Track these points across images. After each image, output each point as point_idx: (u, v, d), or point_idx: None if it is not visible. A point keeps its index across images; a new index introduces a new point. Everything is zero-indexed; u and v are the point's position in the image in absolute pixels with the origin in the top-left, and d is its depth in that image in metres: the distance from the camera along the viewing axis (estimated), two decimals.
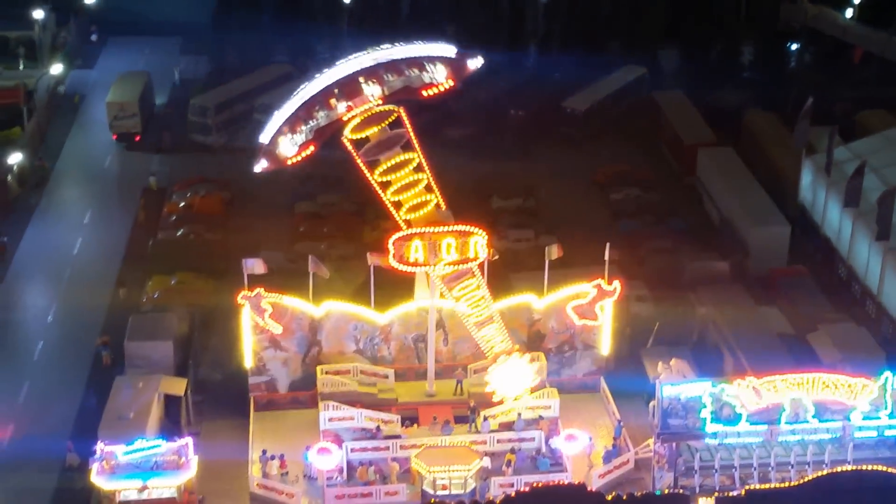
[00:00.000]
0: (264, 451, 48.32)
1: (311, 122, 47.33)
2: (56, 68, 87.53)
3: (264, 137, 47.35)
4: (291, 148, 47.62)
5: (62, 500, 47.42)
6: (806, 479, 41.84)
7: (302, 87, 47.55)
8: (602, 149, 78.81)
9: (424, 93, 48.50)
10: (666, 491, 45.25)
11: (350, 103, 47.46)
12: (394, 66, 47.61)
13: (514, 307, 52.40)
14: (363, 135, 48.30)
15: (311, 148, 47.86)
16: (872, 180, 61.78)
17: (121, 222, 69.95)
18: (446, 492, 45.83)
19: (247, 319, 50.48)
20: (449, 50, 48.27)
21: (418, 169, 48.58)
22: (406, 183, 48.40)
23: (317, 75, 47.57)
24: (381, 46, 48.01)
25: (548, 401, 50.12)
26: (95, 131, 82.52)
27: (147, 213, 70.51)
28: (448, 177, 71.12)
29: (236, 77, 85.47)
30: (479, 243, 48.50)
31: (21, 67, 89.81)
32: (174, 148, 80.00)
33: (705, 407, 45.83)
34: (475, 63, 48.56)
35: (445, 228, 48.18)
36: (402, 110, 48.31)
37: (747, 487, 42.26)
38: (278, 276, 54.46)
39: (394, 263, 48.36)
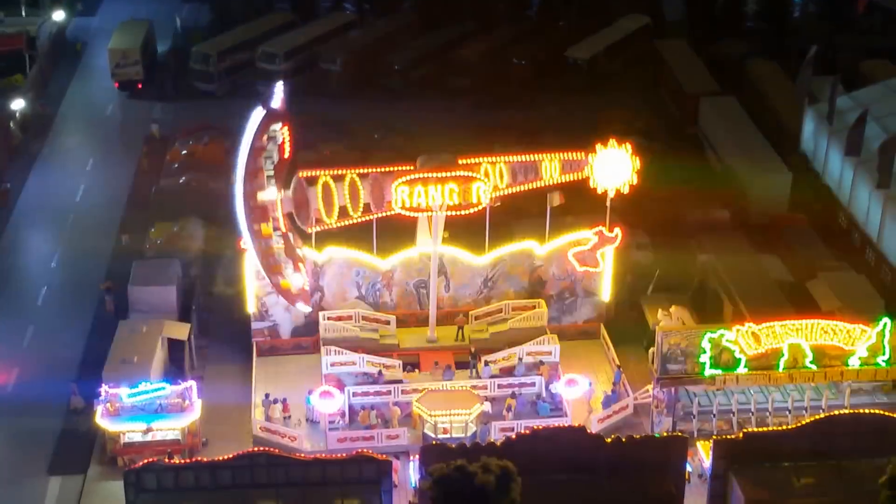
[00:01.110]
0: (267, 395, 48.78)
1: (277, 254, 47.92)
2: (58, 15, 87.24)
3: (280, 297, 49.29)
4: (299, 277, 48.81)
5: (67, 442, 47.90)
6: (804, 422, 42.20)
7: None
8: (605, 98, 78.58)
9: (285, 155, 48.36)
10: (665, 434, 45.73)
11: (275, 216, 47.68)
12: (255, 170, 46.95)
13: (516, 253, 52.71)
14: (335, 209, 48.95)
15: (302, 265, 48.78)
16: (874, 129, 61.76)
17: (123, 169, 70.10)
18: (447, 435, 46.30)
19: (249, 265, 50.72)
20: (257, 114, 47.26)
21: (337, 178, 48.68)
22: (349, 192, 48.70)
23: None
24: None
25: (548, 346, 50.52)
26: (97, 79, 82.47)
27: (150, 160, 70.60)
28: (451, 126, 71.97)
29: (238, 25, 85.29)
30: (482, 189, 48.63)
31: (23, 14, 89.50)
32: (176, 96, 79.88)
33: (704, 352, 46.23)
34: (278, 96, 47.75)
35: (449, 174, 48.28)
36: (299, 173, 48.69)
37: (745, 430, 42.65)
38: None
39: (396, 209, 48.53)
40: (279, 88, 48.25)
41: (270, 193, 47.65)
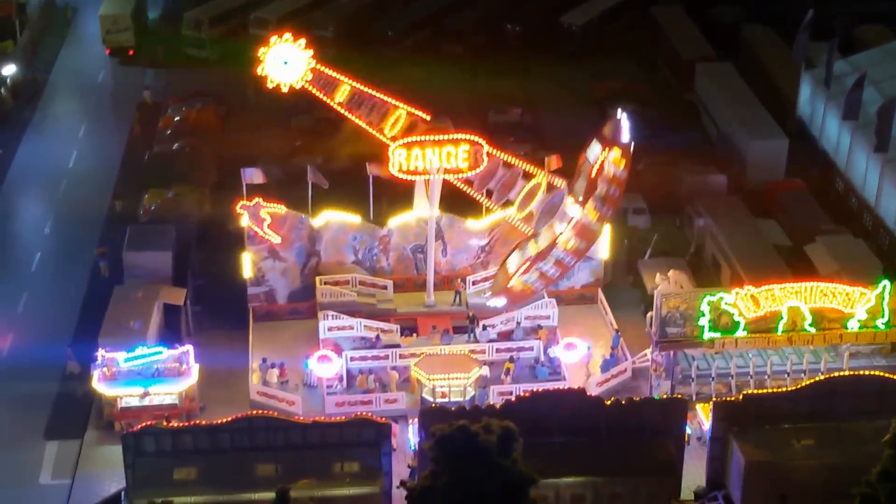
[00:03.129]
0: (264, 360, 48.60)
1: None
2: None
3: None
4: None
5: (63, 406, 47.71)
6: (803, 384, 42.17)
7: None
8: (600, 64, 78.16)
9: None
10: (664, 396, 45.67)
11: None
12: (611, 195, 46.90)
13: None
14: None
15: None
16: (871, 93, 61.55)
17: (116, 136, 69.60)
18: (445, 399, 46.18)
19: (246, 230, 50.37)
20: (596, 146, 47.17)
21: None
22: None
23: None
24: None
25: (546, 310, 50.36)
26: (89, 45, 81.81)
27: (142, 126, 70.09)
28: (445, 92, 71.43)
29: None
30: (480, 152, 48.33)
31: None
32: (168, 62, 79.27)
33: (703, 315, 46.11)
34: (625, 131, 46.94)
35: (445, 136, 47.96)
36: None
37: (745, 392, 42.60)
38: (276, 188, 54.47)
39: (394, 172, 48.21)
40: (625, 124, 46.80)
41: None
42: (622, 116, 46.74)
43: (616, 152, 46.51)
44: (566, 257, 48.17)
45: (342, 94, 49.28)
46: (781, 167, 63.38)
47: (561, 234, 47.67)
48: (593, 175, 46.85)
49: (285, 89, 48.99)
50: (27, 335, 51.82)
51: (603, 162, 46.61)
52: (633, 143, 47.04)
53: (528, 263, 48.15)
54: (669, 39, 78.23)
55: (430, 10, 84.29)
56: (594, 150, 46.79)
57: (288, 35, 48.56)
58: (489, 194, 49.35)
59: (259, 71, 48.43)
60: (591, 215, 47.27)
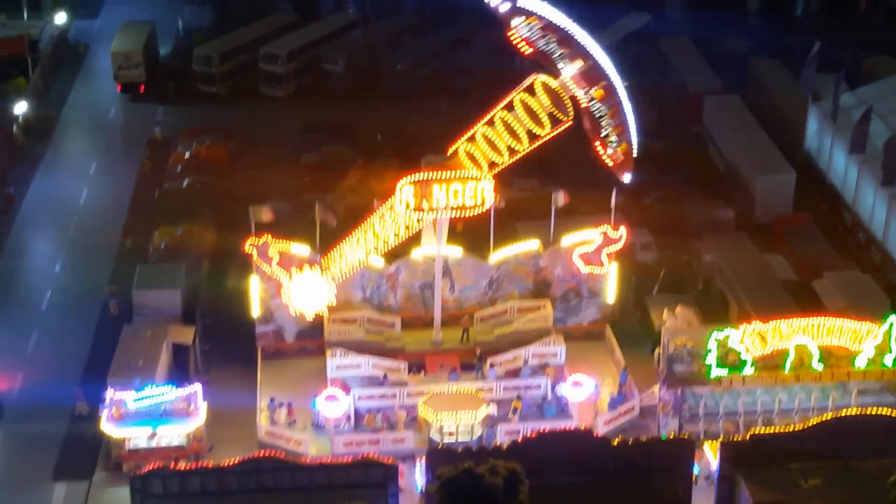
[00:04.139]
0: (272, 399, 48.70)
1: (550, 41, 46.88)
2: (60, 18, 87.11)
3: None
4: (522, 27, 46.90)
5: (72, 447, 47.86)
6: (811, 423, 42.08)
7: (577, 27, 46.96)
8: None
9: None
10: (671, 436, 45.61)
11: (574, 79, 47.19)
12: (616, 105, 47.30)
13: (521, 255, 52.63)
14: (533, 101, 47.80)
15: (525, 47, 47.33)
16: (878, 126, 61.62)
17: (126, 172, 70.00)
18: (453, 438, 46.19)
19: (255, 268, 50.60)
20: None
21: (512, 152, 48.30)
22: (495, 143, 48.19)
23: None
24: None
25: (554, 348, 50.43)
26: (100, 81, 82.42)
27: (152, 163, 70.59)
28: (453, 127, 71.65)
29: (240, 26, 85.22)
30: (486, 189, 48.49)
31: (25, 17, 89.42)
32: (179, 98, 79.86)
33: (711, 352, 46.11)
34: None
35: (453, 174, 48.14)
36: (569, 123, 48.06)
37: (752, 432, 42.51)
38: (285, 225, 54.67)
39: (400, 210, 48.39)
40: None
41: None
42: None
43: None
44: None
45: None
46: (789, 201, 63.43)
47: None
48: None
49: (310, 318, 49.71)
50: (37, 375, 52.00)
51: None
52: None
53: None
54: (677, 71, 78.47)
55: (439, 44, 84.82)
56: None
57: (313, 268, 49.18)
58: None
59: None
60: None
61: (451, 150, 48.33)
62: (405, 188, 48.16)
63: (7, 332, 55.00)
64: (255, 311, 51.78)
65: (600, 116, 47.61)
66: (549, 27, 47.03)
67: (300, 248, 50.70)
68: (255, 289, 51.28)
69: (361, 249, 49.44)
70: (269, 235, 50.30)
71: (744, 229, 60.43)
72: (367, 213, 50.38)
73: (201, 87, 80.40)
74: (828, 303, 52.55)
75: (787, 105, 70.92)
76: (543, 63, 47.68)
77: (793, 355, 46.29)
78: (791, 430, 42.64)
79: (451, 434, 46.37)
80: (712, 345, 46.10)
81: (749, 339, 45.99)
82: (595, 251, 51.87)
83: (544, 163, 69.44)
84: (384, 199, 49.82)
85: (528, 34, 47.00)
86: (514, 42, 47.38)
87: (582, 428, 43.95)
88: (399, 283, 52.62)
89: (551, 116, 47.73)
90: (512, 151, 48.26)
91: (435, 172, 48.26)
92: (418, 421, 47.76)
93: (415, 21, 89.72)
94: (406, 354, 51.07)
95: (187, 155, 69.88)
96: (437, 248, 50.69)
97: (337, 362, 49.33)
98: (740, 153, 66.47)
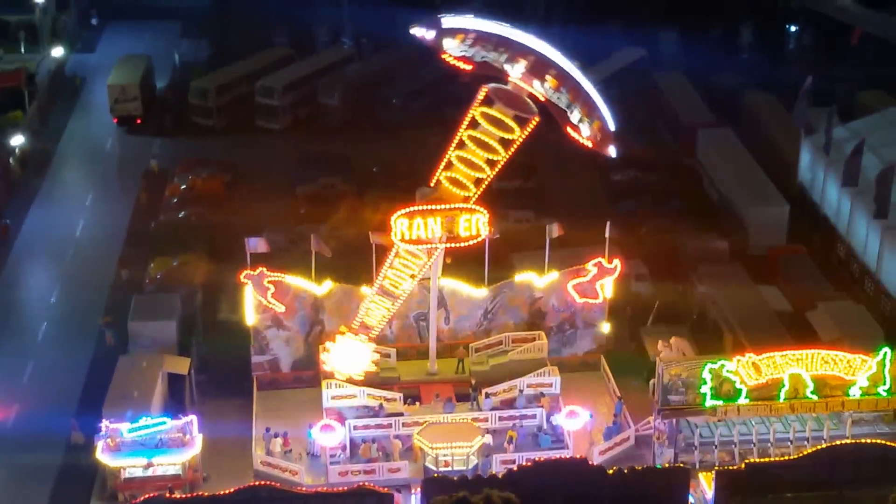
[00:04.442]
0: (268, 429, 48.69)
1: (486, 50, 46.47)
2: (57, 52, 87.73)
3: (446, 20, 46.31)
4: (453, 47, 46.44)
5: (67, 477, 47.74)
6: (805, 452, 42.17)
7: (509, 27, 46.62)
8: None
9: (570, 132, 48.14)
10: (667, 465, 45.66)
11: (523, 78, 46.81)
12: (574, 87, 47.26)
13: (516, 285, 52.80)
14: (493, 111, 47.61)
15: (463, 65, 46.96)
16: (871, 159, 62.06)
17: (122, 204, 70.32)
18: (449, 468, 46.20)
19: (249, 298, 50.76)
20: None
21: (492, 164, 48.43)
22: (472, 161, 48.18)
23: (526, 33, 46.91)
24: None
25: (549, 378, 50.55)
26: (97, 114, 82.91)
27: (149, 195, 70.86)
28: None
29: (236, 60, 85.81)
30: (481, 221, 48.74)
31: (22, 51, 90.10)
32: (175, 130, 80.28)
33: (705, 383, 46.25)
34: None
35: (447, 206, 48.39)
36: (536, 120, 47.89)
37: (747, 461, 42.60)
38: (280, 257, 54.95)
39: (396, 241, 48.61)
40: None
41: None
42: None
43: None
44: None
45: None
46: (783, 233, 63.82)
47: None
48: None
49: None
50: (32, 405, 51.95)
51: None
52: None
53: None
54: (671, 105, 79.11)
55: (433, 77, 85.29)
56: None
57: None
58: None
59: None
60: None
61: (433, 182, 48.44)
62: (399, 220, 48.41)
63: (3, 362, 55.04)
64: (251, 342, 51.83)
65: (564, 104, 47.51)
66: (479, 38, 46.72)
67: (295, 280, 50.96)
68: (250, 319, 51.36)
69: (387, 300, 49.60)
70: (265, 267, 50.50)
71: (738, 261, 60.68)
72: (360, 245, 50.69)
73: (197, 120, 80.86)
74: (822, 333, 52.76)
75: (781, 138, 71.45)
76: (489, 73, 47.48)
77: (787, 385, 46.45)
78: (786, 459, 42.77)
79: (446, 464, 46.38)
80: (707, 375, 46.24)
81: (743, 369, 46.15)
82: (590, 282, 52.08)
83: (539, 195, 70.14)
84: (378, 231, 50.10)
85: (462, 52, 46.93)
86: (452, 63, 47.30)
87: (578, 457, 43.95)
88: (394, 313, 52.69)
89: (517, 118, 47.73)
90: (492, 163, 48.32)
91: (429, 205, 48.49)
92: (414, 450, 47.77)
93: (410, 54, 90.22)
94: (401, 384, 51.12)
95: (183, 187, 70.18)
96: (432, 279, 50.88)
97: (332, 392, 49.39)
98: (734, 185, 66.92)
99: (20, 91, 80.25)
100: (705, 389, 46.36)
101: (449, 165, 48.31)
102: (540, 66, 47.09)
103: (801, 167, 68.17)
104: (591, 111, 47.52)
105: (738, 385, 46.30)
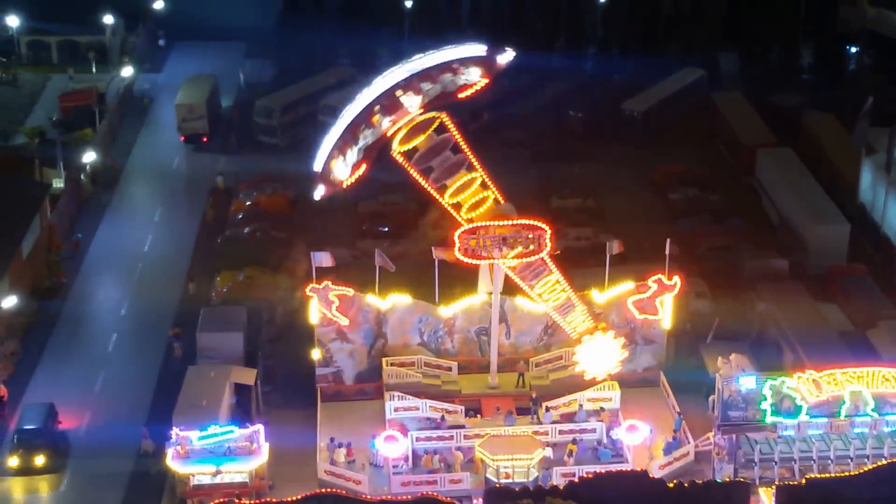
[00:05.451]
0: (332, 439, 49.64)
1: (359, 142, 48.47)
2: (126, 72, 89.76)
3: (317, 165, 48.55)
4: (345, 170, 48.78)
5: (137, 484, 49.00)
6: (866, 469, 42.29)
7: (344, 110, 48.66)
8: (661, 150, 79.46)
9: (460, 95, 49.45)
10: (727, 479, 45.90)
11: (392, 118, 48.49)
12: (428, 74, 48.41)
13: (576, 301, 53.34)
14: (411, 145, 49.26)
15: (364, 167, 49.02)
16: None
17: (189, 220, 71.77)
18: (509, 480, 46.81)
19: (314, 311, 51.84)
20: (479, 49, 49.09)
21: (471, 168, 49.58)
22: (462, 184, 49.40)
23: (356, 96, 48.54)
24: (414, 57, 48.78)
25: (609, 393, 51.05)
26: (164, 133, 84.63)
27: (215, 211, 72.33)
28: (507, 177, 72.60)
29: (300, 79, 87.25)
30: (543, 237, 49.50)
31: (93, 71, 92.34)
32: (240, 148, 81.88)
33: (765, 399, 46.50)
34: (506, 58, 49.42)
35: (509, 222, 49.22)
36: (444, 115, 49.17)
37: (808, 476, 42.78)
38: (344, 271, 55.97)
39: (459, 256, 49.47)
40: (511, 54, 49.35)
41: (413, 102, 48.25)
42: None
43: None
44: None
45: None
46: (843, 252, 63.84)
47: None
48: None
49: None
50: (103, 414, 53.36)
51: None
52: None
53: None
54: (730, 125, 79.41)
55: (492, 96, 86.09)
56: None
57: None
58: (428, 171, 49.53)
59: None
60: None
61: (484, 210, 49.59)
62: (462, 236, 49.30)
63: (75, 371, 56.51)
64: (315, 354, 52.86)
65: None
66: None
67: (358, 294, 51.99)
68: (315, 332, 52.42)
69: (567, 309, 51.28)
70: (330, 281, 51.54)
71: (798, 279, 60.76)
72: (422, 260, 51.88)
73: (262, 138, 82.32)
74: (882, 352, 52.73)
75: (841, 158, 71.45)
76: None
77: (848, 402, 46.55)
78: (847, 475, 42.88)
79: (507, 476, 46.99)
80: (767, 391, 46.49)
81: (804, 385, 46.35)
82: (649, 298, 52.55)
83: (598, 213, 70.71)
84: (440, 246, 51.01)
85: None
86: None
87: (638, 470, 44.38)
88: (456, 328, 53.57)
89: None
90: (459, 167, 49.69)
91: (492, 221, 49.34)
92: (475, 462, 48.46)
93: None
94: (462, 398, 51.88)
95: (248, 203, 71.59)
96: (493, 294, 51.65)
97: (395, 404, 50.26)
98: (795, 205, 67.04)
99: (91, 110, 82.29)
100: (765, 406, 46.59)
101: (458, 207, 49.53)
102: (389, 103, 48.45)
103: (861, 187, 68.14)
104: (457, 66, 48.66)
105: (798, 402, 46.49)
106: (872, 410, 46.73)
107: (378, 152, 49.41)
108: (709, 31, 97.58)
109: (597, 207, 71.66)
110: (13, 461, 49.36)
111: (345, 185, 49.15)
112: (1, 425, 52.38)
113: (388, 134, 48.96)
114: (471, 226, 49.36)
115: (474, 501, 45.94)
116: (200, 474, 46.80)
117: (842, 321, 56.80)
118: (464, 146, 49.67)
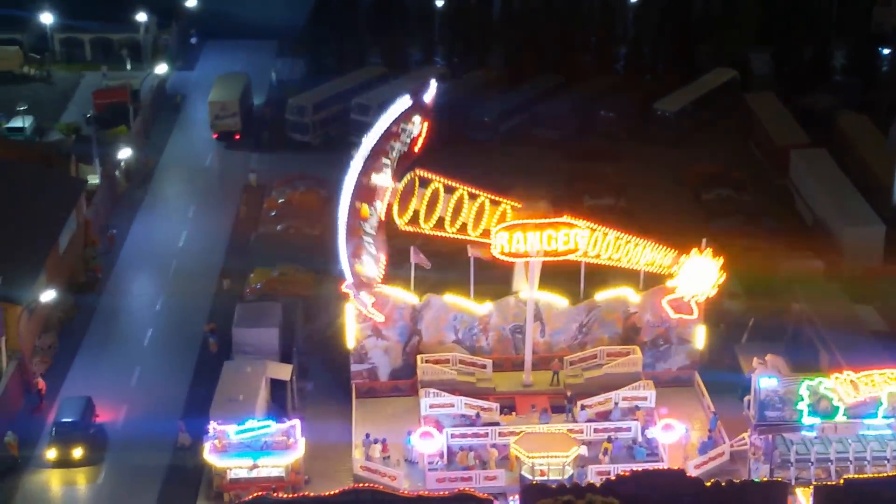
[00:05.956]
0: (367, 435, 49.84)
1: (364, 238, 49.54)
2: (160, 69, 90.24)
3: (347, 279, 50.36)
4: (373, 268, 50.10)
5: (175, 477, 49.33)
6: None
7: (338, 219, 49.84)
8: (693, 150, 79.35)
9: (415, 149, 49.89)
10: (764, 479, 45.83)
11: (378, 202, 49.28)
12: (380, 149, 48.98)
13: (611, 300, 53.42)
14: (410, 212, 49.82)
15: (383, 257, 50.45)
16: None
17: (223, 217, 72.11)
18: (544, 477, 46.86)
19: (350, 308, 52.04)
20: (405, 101, 49.23)
21: (473, 196, 49.78)
22: (475, 214, 49.64)
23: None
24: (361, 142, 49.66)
25: (644, 392, 51.04)
26: (197, 130, 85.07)
27: (248, 208, 72.67)
28: (540, 177, 73.08)
29: (332, 78, 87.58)
30: (579, 234, 49.58)
31: (128, 68, 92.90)
32: (272, 146, 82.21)
33: (802, 399, 46.39)
34: (430, 93, 49.68)
35: (546, 220, 49.31)
36: (418, 171, 49.74)
37: (846, 477, 42.67)
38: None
39: (496, 254, 49.59)
40: (433, 85, 49.83)
41: (384, 179, 48.93)
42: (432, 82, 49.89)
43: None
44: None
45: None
46: (879, 253, 63.56)
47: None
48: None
49: None
50: (140, 408, 53.70)
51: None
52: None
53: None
54: (763, 126, 79.17)
55: (525, 97, 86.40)
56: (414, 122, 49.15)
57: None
58: (440, 223, 50.07)
59: None
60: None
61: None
62: (500, 234, 49.47)
63: (111, 366, 56.92)
64: (350, 350, 53.05)
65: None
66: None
67: (393, 290, 52.17)
68: (349, 329, 52.63)
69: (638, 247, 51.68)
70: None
71: (833, 280, 60.55)
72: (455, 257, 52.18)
73: (294, 136, 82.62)
74: None
75: (875, 159, 71.15)
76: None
77: (885, 403, 46.39)
78: (884, 476, 42.75)
79: (542, 473, 47.06)
80: (804, 392, 46.39)
81: (841, 386, 46.22)
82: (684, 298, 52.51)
83: (630, 213, 70.64)
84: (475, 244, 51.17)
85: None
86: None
87: (675, 468, 44.38)
88: (491, 325, 53.68)
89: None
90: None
91: (530, 219, 49.48)
92: (510, 459, 48.55)
93: (501, 74, 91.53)
94: (497, 395, 51.96)
95: (281, 200, 71.91)
96: (529, 292, 51.73)
97: (430, 401, 50.40)
98: (830, 206, 66.80)
99: (125, 107, 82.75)
100: (802, 406, 46.48)
101: (464, 229, 49.89)
102: (366, 194, 49.45)
103: None
104: (400, 127, 49.22)
105: (835, 402, 46.36)
106: None
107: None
108: (741, 32, 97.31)
109: (629, 207, 71.57)
110: (52, 454, 49.75)
111: (380, 280, 50.83)
112: (39, 418, 52.80)
113: (384, 217, 49.69)
114: (509, 223, 49.46)
115: (509, 498, 46.01)
116: (237, 468, 47.12)
117: (878, 322, 56.54)
118: (452, 183, 49.87)
